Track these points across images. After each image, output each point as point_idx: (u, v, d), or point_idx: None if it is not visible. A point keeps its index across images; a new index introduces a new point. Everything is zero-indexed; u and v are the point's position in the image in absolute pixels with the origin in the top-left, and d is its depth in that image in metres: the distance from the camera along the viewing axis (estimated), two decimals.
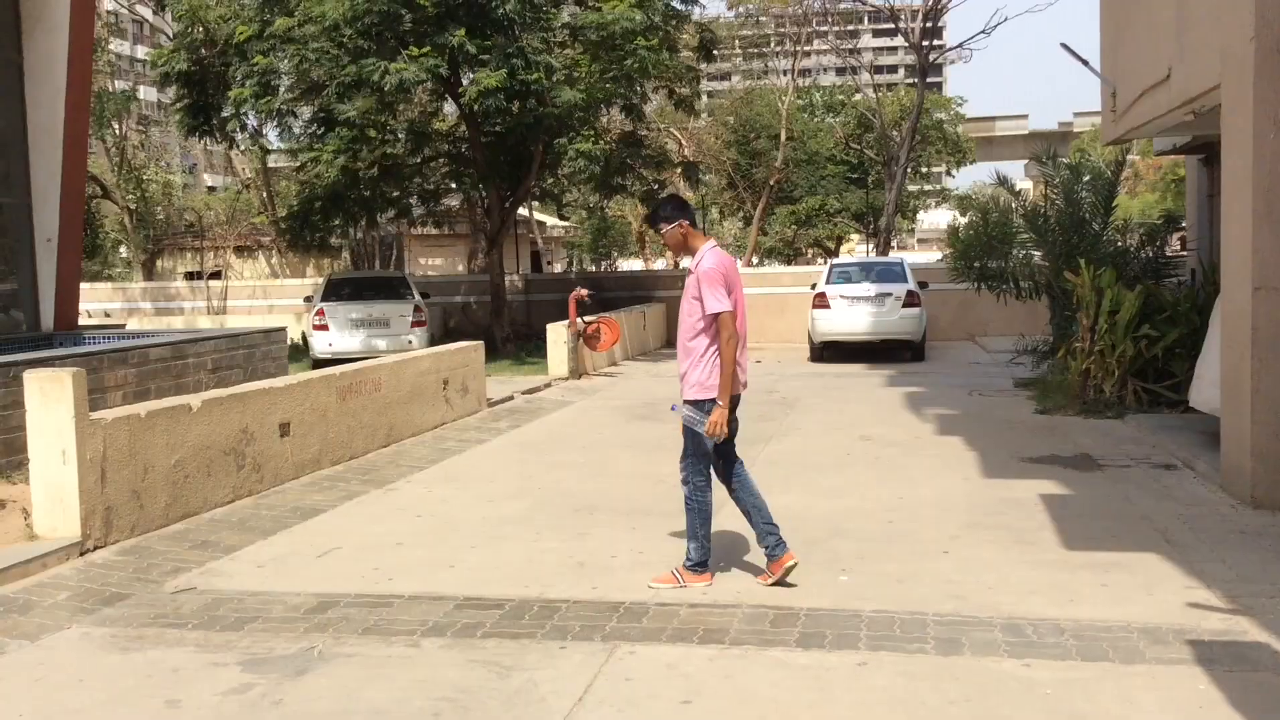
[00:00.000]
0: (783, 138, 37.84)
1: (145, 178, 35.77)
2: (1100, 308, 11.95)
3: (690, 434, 6.10)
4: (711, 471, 6.19)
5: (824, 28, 40.37)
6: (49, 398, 6.85)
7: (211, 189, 56.56)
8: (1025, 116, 72.33)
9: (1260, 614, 5.34)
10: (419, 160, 21.31)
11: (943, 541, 6.87)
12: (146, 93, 49.30)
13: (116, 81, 35.90)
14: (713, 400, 5.90)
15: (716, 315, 5.87)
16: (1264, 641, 5.00)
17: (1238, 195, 8.00)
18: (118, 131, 34.02)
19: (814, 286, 19.82)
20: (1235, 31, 7.97)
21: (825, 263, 27.01)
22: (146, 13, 33.03)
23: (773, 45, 43.10)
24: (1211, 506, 7.61)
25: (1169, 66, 10.04)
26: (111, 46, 34.13)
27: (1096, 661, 4.84)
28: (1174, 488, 8.23)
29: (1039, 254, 15.09)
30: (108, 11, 34.29)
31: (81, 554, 6.81)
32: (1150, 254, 14.11)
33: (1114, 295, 11.86)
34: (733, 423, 6.11)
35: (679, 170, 26.08)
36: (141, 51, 53.06)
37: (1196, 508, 7.58)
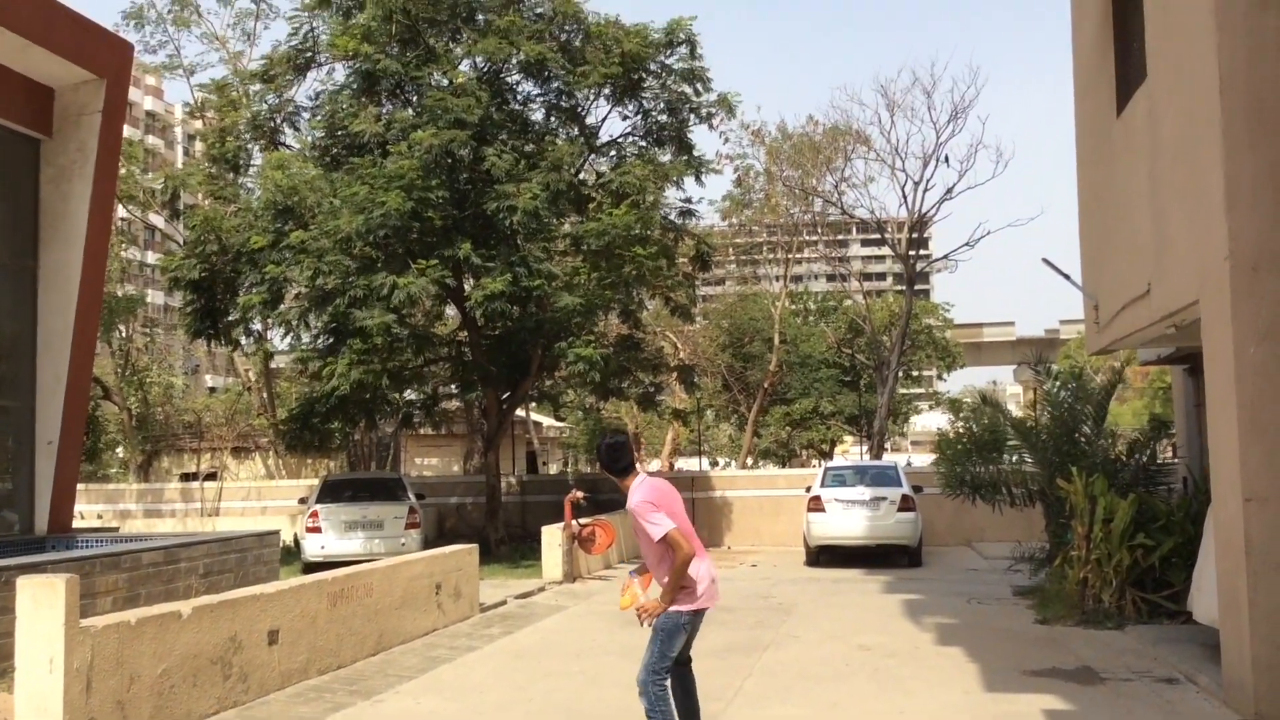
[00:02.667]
0: (776, 341, 38.61)
1: (147, 380, 36.23)
2: (1094, 515, 11.97)
3: (654, 642, 6.14)
4: (669, 681, 6.17)
5: (814, 237, 41.78)
6: (40, 604, 6.80)
7: (212, 390, 57.13)
8: (1012, 324, 74.09)
9: None
10: (421, 364, 21.69)
11: None
12: (153, 295, 50.47)
13: (126, 285, 36.80)
14: (679, 610, 6.11)
15: (665, 536, 6.08)
16: None
17: (1222, 408, 8.17)
18: (123, 333, 34.67)
19: (809, 489, 19.87)
20: (1211, 250, 8.31)
21: (820, 465, 27.12)
22: (158, 220, 34.16)
23: (765, 252, 44.51)
24: None
25: (1149, 282, 10.41)
26: (122, 252, 35.13)
27: None
28: (1177, 703, 8.08)
29: (1030, 462, 15.20)
30: (120, 219, 35.50)
31: None
32: (1141, 461, 14.24)
33: (1107, 503, 11.90)
34: (691, 634, 6.27)
35: (675, 373, 26.52)
36: (151, 256, 54.59)
37: None
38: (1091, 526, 11.97)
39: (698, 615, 6.22)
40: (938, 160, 34.71)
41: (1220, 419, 8.25)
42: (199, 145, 25.34)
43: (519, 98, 21.26)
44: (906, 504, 18.69)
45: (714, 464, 51.47)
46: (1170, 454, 17.74)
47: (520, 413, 33.28)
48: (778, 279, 42.71)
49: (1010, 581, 15.14)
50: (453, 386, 24.19)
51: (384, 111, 19.72)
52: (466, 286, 19.99)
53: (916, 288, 34.71)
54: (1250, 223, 7.90)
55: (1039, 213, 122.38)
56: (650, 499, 6.18)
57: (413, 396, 23.92)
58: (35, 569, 8.02)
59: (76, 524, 16.13)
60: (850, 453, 51.50)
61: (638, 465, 6.46)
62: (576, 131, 21.22)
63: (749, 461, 41.25)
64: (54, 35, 13.35)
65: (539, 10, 20.53)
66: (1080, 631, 11.32)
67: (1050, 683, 8.89)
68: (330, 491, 19.29)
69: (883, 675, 9.34)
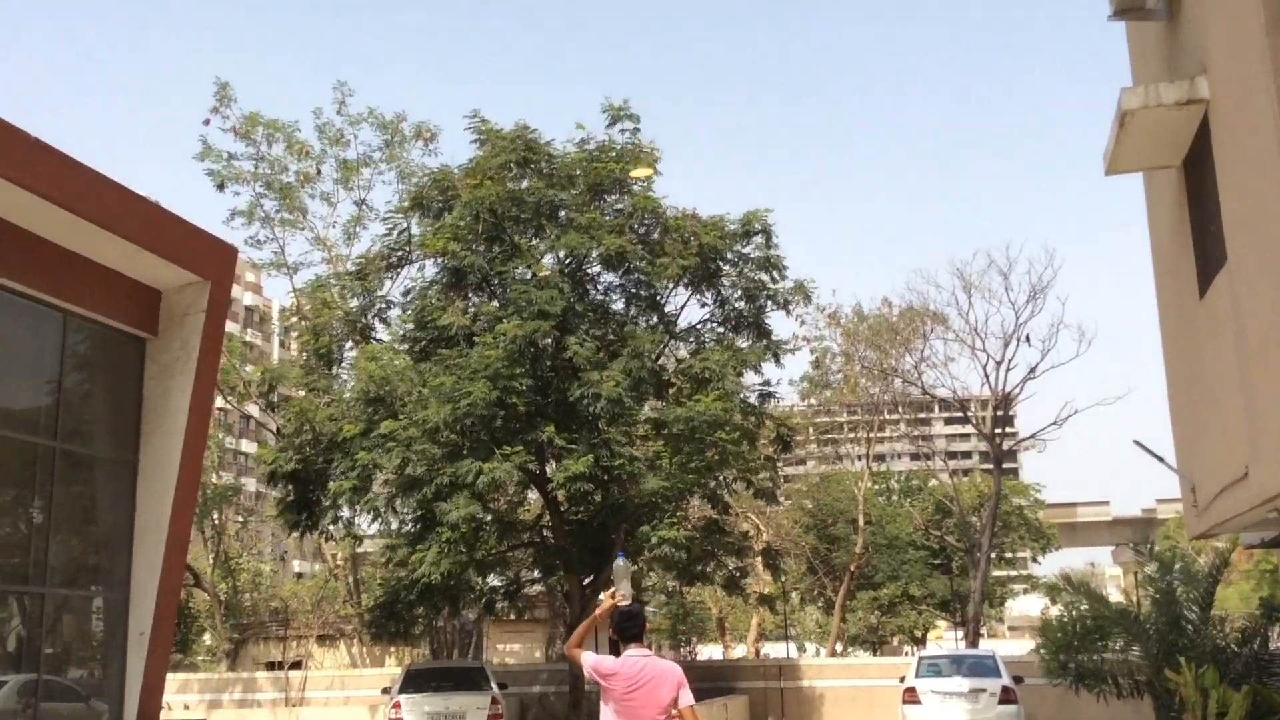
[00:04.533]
0: (860, 522, 38.00)
1: (237, 566, 36.76)
2: (1207, 710, 11.36)
3: None
4: None
5: (896, 416, 41.57)
6: None
7: (299, 575, 57.64)
8: (1107, 503, 71.80)
9: None
10: (504, 549, 21.77)
11: None
12: (248, 483, 51.70)
13: (221, 473, 37.82)
14: None
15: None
16: None
17: None
18: (216, 521, 35.43)
19: (903, 680, 19.22)
20: None
21: (913, 653, 26.23)
22: (253, 409, 35.35)
23: (846, 432, 44.30)
24: None
25: (1245, 465, 10.15)
26: (221, 442, 36.27)
27: None
28: None
29: (1135, 650, 14.56)
30: (218, 408, 36.79)
31: None
32: (1253, 649, 13.56)
33: (1220, 696, 11.30)
34: None
35: (759, 556, 26.16)
36: (246, 445, 56.14)
37: None
38: None
39: None
40: (1018, 340, 34.66)
41: None
42: (294, 340, 26.36)
43: (600, 288, 21.93)
44: (1008, 696, 17.94)
45: (800, 650, 49.95)
46: None
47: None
48: (860, 458, 42.36)
49: None
50: (535, 571, 24.13)
51: (471, 305, 20.47)
52: (549, 470, 20.20)
53: (1005, 467, 34.12)
54: None
55: (1126, 391, 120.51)
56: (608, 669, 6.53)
57: (496, 582, 23.89)
58: None
59: (164, 716, 16.16)
60: (944, 639, 49.73)
61: (641, 640, 6.73)
62: (656, 319, 21.70)
63: (837, 648, 40.03)
64: (163, 242, 14.17)
65: (619, 206, 21.36)
66: None
67: None
68: (413, 681, 19.17)
69: None
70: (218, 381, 20.33)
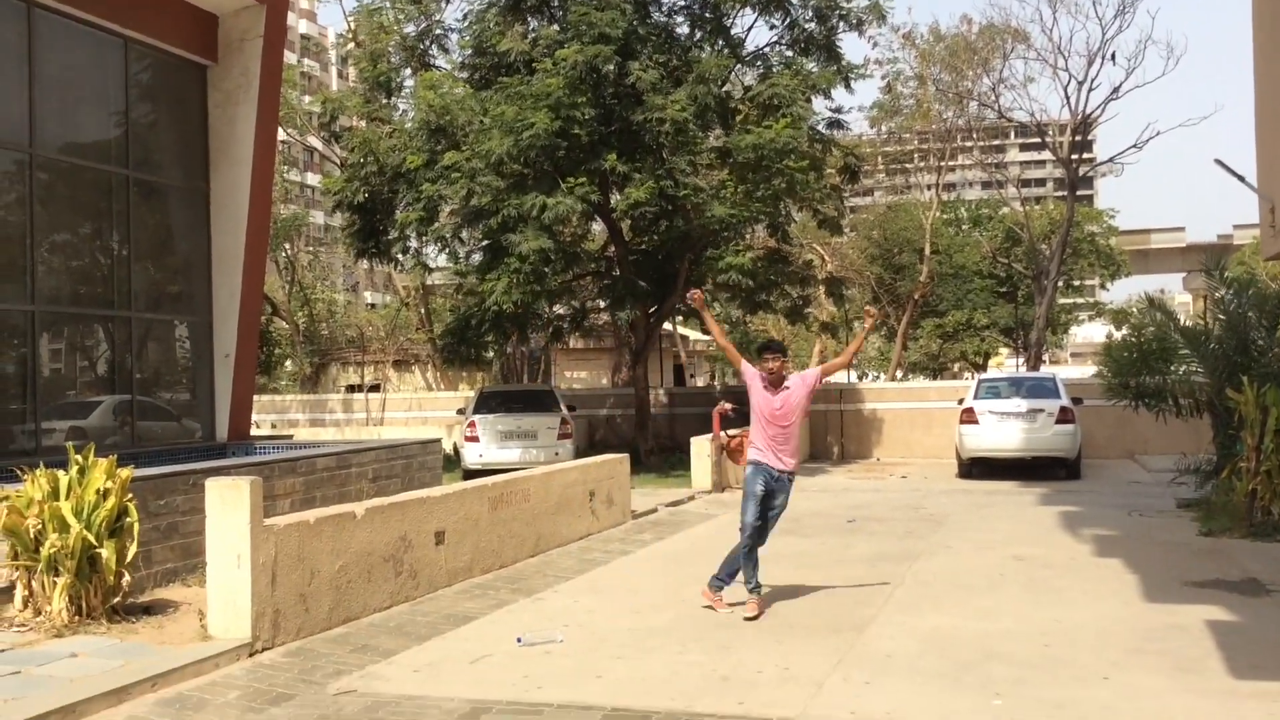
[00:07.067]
0: (927, 251, 37.70)
1: (312, 296, 37.81)
2: (1266, 426, 11.49)
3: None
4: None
5: (969, 143, 40.40)
6: (227, 504, 7.31)
7: (371, 306, 59.29)
8: (1182, 229, 70.12)
9: None
10: (570, 279, 22.03)
11: (1102, 668, 6.65)
12: (314, 215, 52.43)
13: (289, 205, 38.32)
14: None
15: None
16: None
17: None
18: (289, 252, 36.18)
19: (961, 402, 19.54)
20: None
21: (973, 378, 26.56)
22: (316, 142, 35.29)
23: (917, 161, 43.26)
24: None
25: None
26: (285, 174, 36.52)
27: None
28: None
29: (1199, 371, 14.60)
30: (280, 141, 36.86)
31: (250, 655, 7.18)
32: None
33: (1279, 413, 11.39)
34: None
35: (823, 286, 26.24)
36: (311, 178, 56.46)
37: None
38: (1262, 437, 11.50)
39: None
40: (1103, 58, 33.09)
41: None
42: (352, 69, 25.89)
43: (663, 9, 21.05)
44: (1065, 416, 18.21)
45: (862, 377, 50.87)
46: None
47: (667, 326, 33.55)
48: (930, 188, 41.54)
49: (1174, 494, 14.67)
50: (601, 302, 24.48)
51: (530, 29, 19.83)
52: (613, 200, 20.12)
53: (1079, 193, 33.31)
54: None
55: (1213, 110, 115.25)
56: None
57: (562, 311, 24.34)
58: (220, 472, 8.58)
59: (254, 433, 17.11)
60: (1005, 365, 50.22)
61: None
62: (722, 43, 20.88)
63: (898, 375, 40.69)
64: None
65: None
66: (1247, 544, 10.96)
67: (1214, 594, 8.67)
68: (486, 403, 19.92)
69: (1038, 585, 9.25)
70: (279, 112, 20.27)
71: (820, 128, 21.19)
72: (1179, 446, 16.87)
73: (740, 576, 8.41)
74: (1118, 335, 26.18)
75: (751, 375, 8.57)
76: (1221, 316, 14.60)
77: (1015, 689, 6.25)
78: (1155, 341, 15.32)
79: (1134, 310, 36.21)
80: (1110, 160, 33.54)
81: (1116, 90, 30.29)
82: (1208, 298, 15.55)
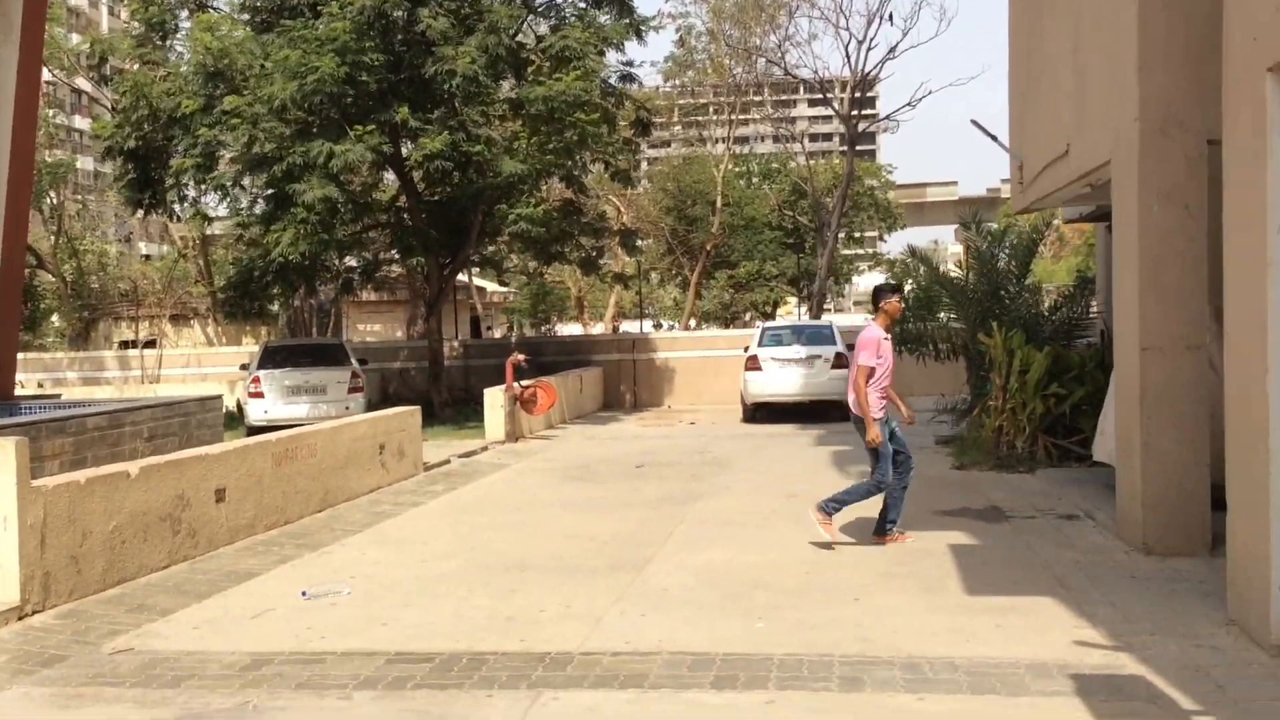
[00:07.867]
0: (719, 204, 38.71)
1: (81, 248, 35.66)
2: (1011, 368, 12.53)
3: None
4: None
5: (759, 98, 41.57)
6: None
7: (147, 257, 56.25)
8: (955, 183, 74.26)
9: (1139, 650, 5.77)
10: (360, 230, 21.62)
11: (855, 590, 7.25)
12: (83, 161, 49.21)
13: (54, 151, 35.90)
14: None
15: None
16: (1140, 675, 5.42)
17: (1127, 264, 8.58)
18: (54, 200, 33.96)
19: (747, 349, 20.33)
20: (1123, 112, 8.60)
21: (760, 326, 27.62)
22: (84, 84, 33.18)
23: (710, 114, 44.19)
24: (1107, 554, 8.08)
25: (1068, 142, 10.72)
26: (50, 118, 34.15)
27: (985, 695, 5.22)
28: (1074, 537, 8.71)
29: (957, 318, 15.71)
30: (45, 82, 34.42)
31: (20, 618, 6.95)
32: (1065, 316, 14.79)
33: (1024, 356, 12.45)
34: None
35: (616, 237, 26.65)
36: (79, 121, 52.89)
37: (1093, 555, 8.05)
38: (1008, 378, 12.55)
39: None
40: (881, 18, 34.54)
41: (1124, 274, 8.66)
42: (124, 9, 24.43)
43: None
44: (840, 361, 19.21)
45: (657, 326, 51.97)
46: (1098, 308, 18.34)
47: (463, 278, 33.35)
48: (721, 141, 42.56)
49: (933, 432, 15.79)
50: (394, 253, 24.11)
51: None
52: (404, 151, 19.83)
53: (861, 149, 34.89)
54: (1161, 86, 8.15)
55: (980, 71, 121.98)
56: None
57: (353, 262, 23.88)
58: None
59: (17, 392, 16.19)
60: (792, 314, 52.24)
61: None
62: None
63: (692, 324, 41.78)
64: None
65: None
66: (993, 476, 11.99)
67: (959, 521, 9.52)
68: (271, 357, 19.42)
69: (805, 520, 9.81)
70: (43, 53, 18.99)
71: (613, 80, 21.43)
72: (940, 388, 18.08)
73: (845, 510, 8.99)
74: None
75: (880, 339, 8.63)
76: (979, 266, 15.72)
77: (776, 613, 6.75)
78: (921, 291, 16.38)
79: (904, 260, 38.29)
80: (887, 117, 35.24)
81: (893, 50, 31.88)
82: (967, 248, 16.70)
